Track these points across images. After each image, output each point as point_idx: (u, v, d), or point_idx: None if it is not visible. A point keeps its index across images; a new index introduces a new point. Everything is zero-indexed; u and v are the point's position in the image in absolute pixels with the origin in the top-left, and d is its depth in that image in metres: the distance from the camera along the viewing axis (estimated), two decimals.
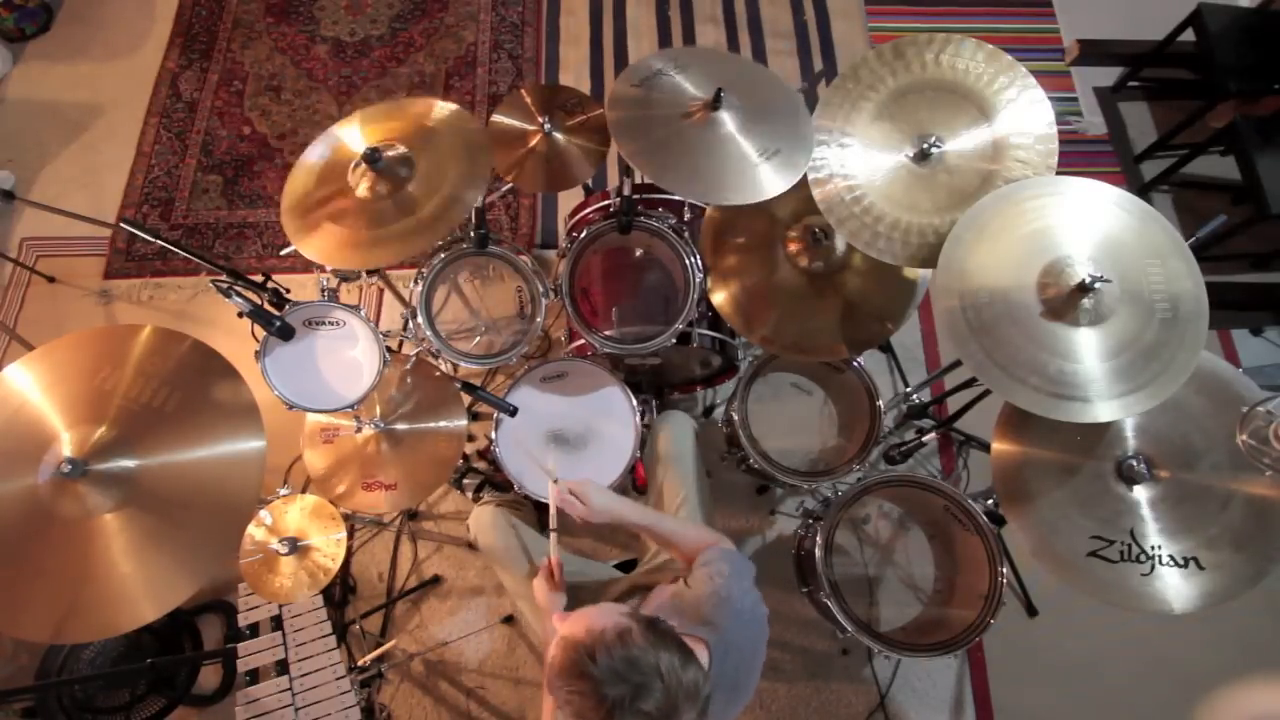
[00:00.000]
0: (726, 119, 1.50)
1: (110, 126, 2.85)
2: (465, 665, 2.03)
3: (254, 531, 1.56)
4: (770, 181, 1.46)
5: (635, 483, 1.67)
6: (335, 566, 1.54)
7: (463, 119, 1.63)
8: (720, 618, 1.05)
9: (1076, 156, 2.80)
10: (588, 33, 3.03)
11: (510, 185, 1.82)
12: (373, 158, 1.49)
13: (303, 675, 1.54)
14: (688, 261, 1.67)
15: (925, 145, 1.45)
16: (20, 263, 2.51)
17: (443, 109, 1.64)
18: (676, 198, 1.83)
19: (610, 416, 1.69)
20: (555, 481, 1.29)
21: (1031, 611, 2.09)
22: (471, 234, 1.62)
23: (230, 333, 2.21)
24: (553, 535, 1.32)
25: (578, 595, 1.46)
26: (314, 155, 1.62)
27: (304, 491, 1.65)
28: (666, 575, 1.45)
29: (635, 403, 1.68)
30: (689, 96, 1.54)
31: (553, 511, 1.32)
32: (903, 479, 1.67)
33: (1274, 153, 2.26)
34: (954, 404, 2.01)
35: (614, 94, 1.54)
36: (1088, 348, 1.28)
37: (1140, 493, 1.34)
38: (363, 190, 1.53)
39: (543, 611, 1.24)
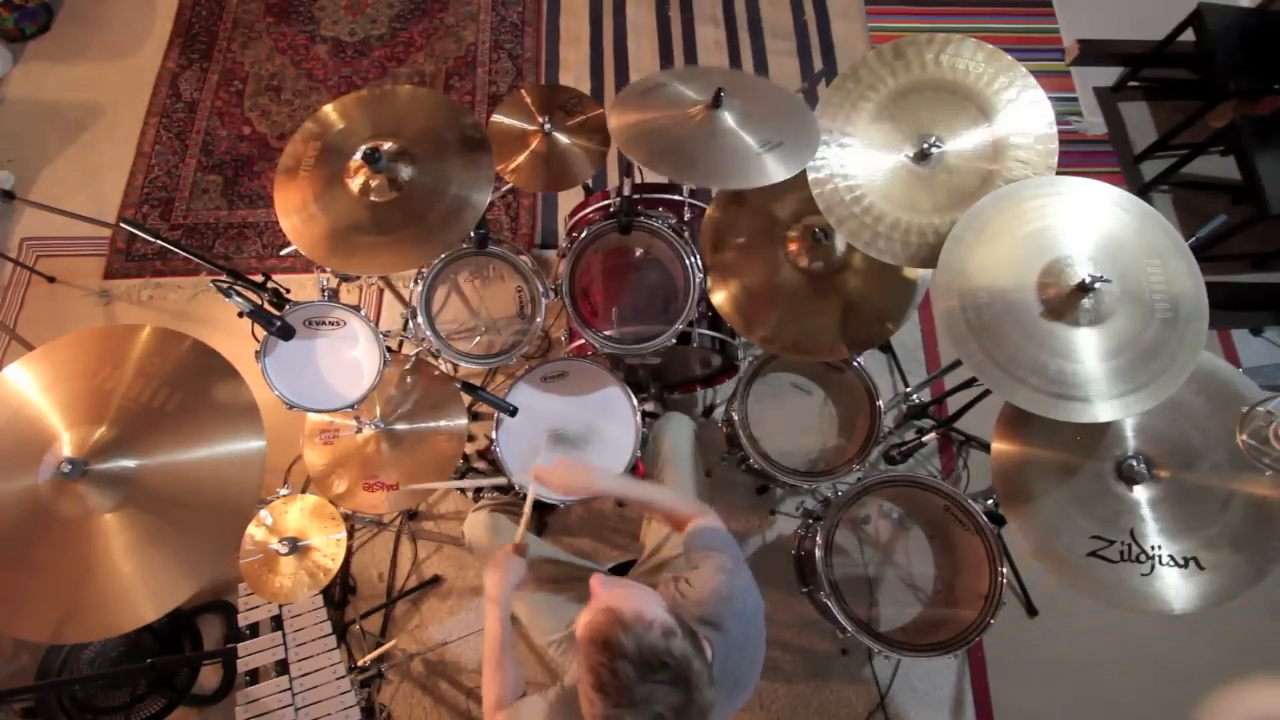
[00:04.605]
0: (728, 117, 1.50)
1: (110, 126, 2.85)
2: (465, 665, 2.03)
3: (254, 531, 1.56)
4: (773, 169, 1.43)
5: (635, 474, 1.67)
6: (335, 566, 1.54)
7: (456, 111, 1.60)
8: (724, 617, 1.05)
9: (1076, 156, 2.80)
10: (588, 33, 3.03)
11: (510, 185, 1.82)
12: (372, 157, 1.46)
13: (303, 675, 1.55)
14: (688, 261, 1.67)
15: (925, 145, 1.45)
16: (20, 263, 2.51)
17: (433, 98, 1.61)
18: (677, 197, 1.83)
19: (610, 416, 1.69)
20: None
21: (1031, 611, 2.09)
22: (471, 234, 1.62)
23: (230, 333, 2.20)
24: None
25: (573, 594, 1.47)
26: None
27: (304, 491, 1.65)
28: (662, 578, 1.45)
29: (636, 402, 1.68)
30: (690, 100, 1.53)
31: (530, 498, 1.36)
32: (903, 479, 1.67)
33: (1274, 153, 2.26)
34: (954, 404, 2.02)
35: (614, 104, 1.53)
36: (1088, 348, 1.27)
37: (1140, 493, 1.34)
38: (356, 187, 1.50)
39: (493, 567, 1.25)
